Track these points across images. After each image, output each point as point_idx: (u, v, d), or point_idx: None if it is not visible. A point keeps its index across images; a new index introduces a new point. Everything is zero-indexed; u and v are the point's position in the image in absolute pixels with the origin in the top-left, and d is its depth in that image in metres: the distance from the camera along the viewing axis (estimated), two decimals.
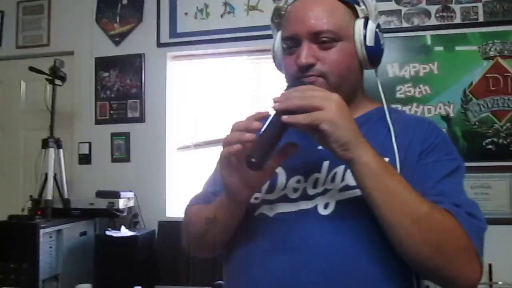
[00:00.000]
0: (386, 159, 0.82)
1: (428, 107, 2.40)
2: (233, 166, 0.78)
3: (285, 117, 0.74)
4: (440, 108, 2.38)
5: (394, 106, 2.40)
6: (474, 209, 0.80)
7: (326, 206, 0.84)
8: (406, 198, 0.75)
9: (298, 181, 0.89)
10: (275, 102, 0.77)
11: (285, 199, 0.88)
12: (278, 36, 0.96)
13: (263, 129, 0.76)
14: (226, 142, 0.77)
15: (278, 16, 0.94)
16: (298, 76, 0.87)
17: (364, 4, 0.90)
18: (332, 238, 0.81)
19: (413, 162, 0.84)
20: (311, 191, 0.86)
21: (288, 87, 0.82)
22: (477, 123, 2.35)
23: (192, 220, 0.97)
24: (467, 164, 2.49)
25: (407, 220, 0.74)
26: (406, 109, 2.40)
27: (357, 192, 0.81)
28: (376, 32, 0.89)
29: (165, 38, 2.72)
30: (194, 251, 0.99)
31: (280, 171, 0.91)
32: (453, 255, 0.74)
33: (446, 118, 2.37)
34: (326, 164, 0.88)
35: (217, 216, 0.87)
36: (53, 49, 2.87)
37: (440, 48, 2.40)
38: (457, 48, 2.38)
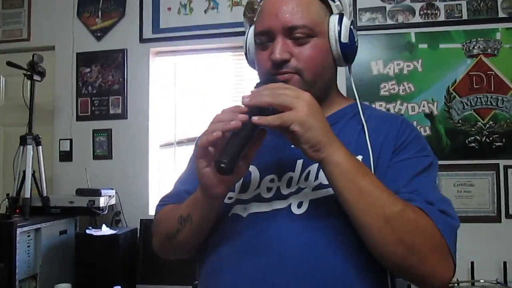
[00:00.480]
0: (360, 157, 0.82)
1: (412, 104, 2.39)
2: (211, 157, 0.76)
3: (255, 119, 0.72)
4: (423, 106, 2.38)
5: (378, 103, 2.41)
6: (447, 206, 0.79)
7: (299, 205, 0.82)
8: (378, 197, 0.73)
9: (272, 180, 0.87)
10: (244, 99, 0.75)
11: (258, 198, 0.86)
12: (250, 31, 0.94)
13: (232, 132, 0.74)
14: (208, 132, 0.74)
15: (251, 10, 0.92)
16: (272, 73, 0.85)
17: (339, 0, 0.88)
18: (305, 237, 0.79)
19: (386, 159, 0.84)
20: (284, 191, 0.85)
21: (259, 85, 0.80)
22: (460, 121, 2.35)
23: (164, 220, 0.94)
24: (450, 162, 2.52)
25: (379, 220, 0.72)
26: (390, 106, 2.40)
27: (331, 190, 0.79)
28: (350, 29, 0.88)
29: (148, 33, 2.68)
30: (165, 253, 0.96)
31: (253, 169, 0.89)
32: (426, 254, 0.73)
33: (429, 116, 2.37)
34: (300, 162, 0.86)
35: (190, 214, 0.85)
36: (33, 44, 2.82)
37: (424, 46, 2.40)
38: (441, 45, 2.38)
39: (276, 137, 0.83)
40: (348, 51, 0.89)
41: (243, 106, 0.75)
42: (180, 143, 2.72)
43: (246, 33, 0.95)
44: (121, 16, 2.71)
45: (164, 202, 1.00)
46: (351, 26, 0.88)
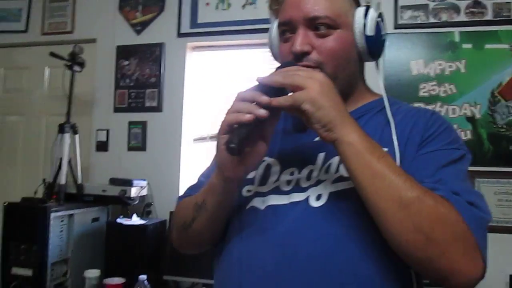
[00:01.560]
0: (385, 150, 0.78)
1: (452, 107, 2.29)
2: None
3: (267, 100, 0.71)
4: (465, 109, 2.27)
5: (416, 104, 2.31)
6: (476, 198, 0.72)
7: (318, 197, 0.80)
8: (394, 181, 0.69)
9: (292, 173, 0.86)
10: (258, 78, 0.74)
11: (277, 191, 0.84)
12: (275, 24, 0.92)
13: None
14: (235, 110, 0.73)
15: (277, 3, 0.91)
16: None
17: None
18: (321, 230, 0.77)
19: (412, 152, 0.79)
20: (304, 183, 0.83)
21: (277, 69, 0.79)
22: (504, 126, 2.23)
23: (181, 210, 0.94)
24: (492, 169, 2.37)
25: (394, 205, 0.68)
26: (429, 108, 2.30)
27: (352, 183, 0.75)
28: (377, 22, 0.85)
29: (185, 28, 2.70)
30: (181, 244, 0.96)
31: (274, 162, 0.88)
32: (448, 246, 0.67)
33: (471, 119, 2.26)
34: (321, 155, 0.84)
35: (205, 200, 0.84)
36: (76, 36, 2.90)
37: (469, 46, 2.28)
38: (487, 46, 2.26)
39: (300, 131, 0.82)
40: (374, 45, 0.86)
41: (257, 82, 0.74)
42: (213, 138, 2.72)
43: (271, 26, 0.94)
44: (161, 10, 2.75)
45: (185, 194, 1.00)
46: (378, 19, 0.85)
